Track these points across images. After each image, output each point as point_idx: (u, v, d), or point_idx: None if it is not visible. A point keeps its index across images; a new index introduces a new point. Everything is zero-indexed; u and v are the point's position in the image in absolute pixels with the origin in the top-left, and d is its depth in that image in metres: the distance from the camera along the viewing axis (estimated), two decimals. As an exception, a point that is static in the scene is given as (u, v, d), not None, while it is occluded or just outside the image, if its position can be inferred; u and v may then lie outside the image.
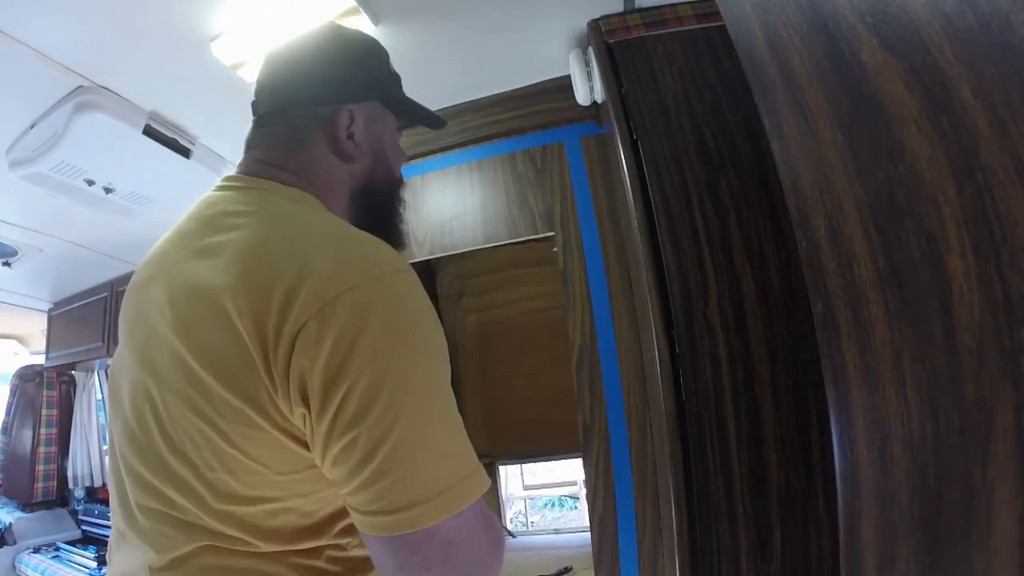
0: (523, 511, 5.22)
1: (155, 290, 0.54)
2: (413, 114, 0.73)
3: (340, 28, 0.71)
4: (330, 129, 0.62)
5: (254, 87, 0.67)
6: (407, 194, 0.74)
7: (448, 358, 0.50)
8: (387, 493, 0.43)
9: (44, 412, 2.58)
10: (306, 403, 0.44)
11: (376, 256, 0.49)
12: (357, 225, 0.59)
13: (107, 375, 2.52)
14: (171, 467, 0.48)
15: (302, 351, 0.43)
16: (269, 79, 0.65)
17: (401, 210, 0.71)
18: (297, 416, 0.45)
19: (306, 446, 0.46)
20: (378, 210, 0.67)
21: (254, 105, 0.66)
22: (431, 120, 0.76)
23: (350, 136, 0.63)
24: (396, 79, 0.72)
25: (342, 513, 0.51)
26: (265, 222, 0.52)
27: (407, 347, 0.46)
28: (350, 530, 0.52)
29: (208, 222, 0.55)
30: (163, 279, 0.54)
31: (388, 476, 0.43)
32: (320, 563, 0.51)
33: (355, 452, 0.43)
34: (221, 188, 0.60)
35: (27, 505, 2.48)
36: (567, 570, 1.40)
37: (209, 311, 0.46)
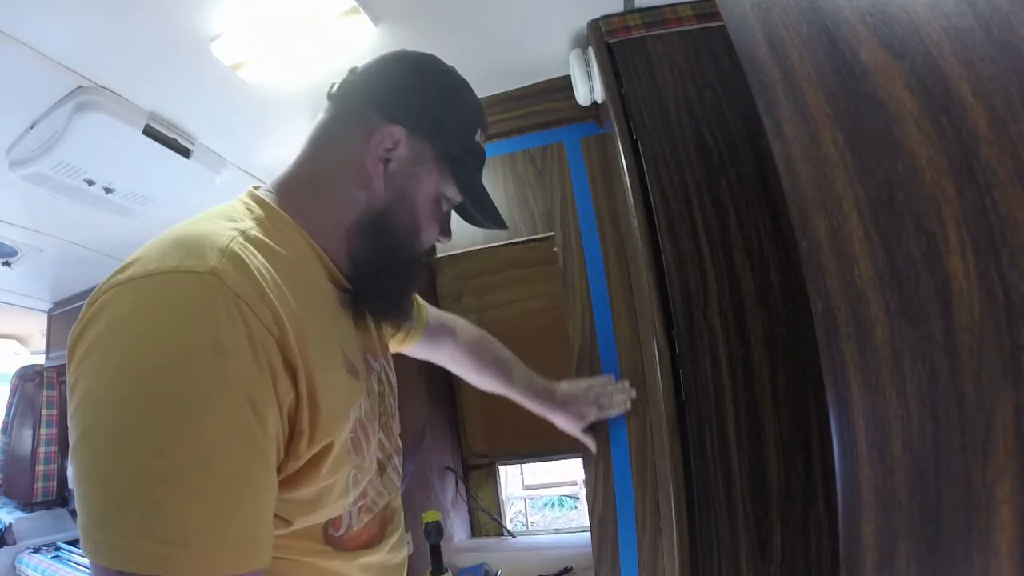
0: (523, 511, 5.22)
1: None
2: (473, 195, 0.65)
3: (453, 70, 0.68)
4: (368, 137, 0.57)
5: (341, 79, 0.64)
6: None
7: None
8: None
9: (44, 412, 2.58)
10: None
11: (144, 257, 0.44)
12: (353, 258, 0.57)
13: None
14: None
15: None
16: (363, 71, 0.62)
17: (411, 277, 0.64)
18: None
19: None
20: (385, 252, 0.59)
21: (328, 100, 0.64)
22: (489, 215, 0.67)
23: (386, 159, 0.58)
24: (476, 152, 0.66)
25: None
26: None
27: (119, 370, 0.41)
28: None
29: None
30: None
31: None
32: None
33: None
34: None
35: (27, 505, 2.48)
36: (567, 570, 1.40)
37: None
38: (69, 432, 0.40)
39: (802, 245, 0.49)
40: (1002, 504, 0.30)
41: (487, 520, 1.90)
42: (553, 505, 5.84)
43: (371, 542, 0.58)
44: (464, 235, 1.39)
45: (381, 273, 0.60)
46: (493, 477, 1.97)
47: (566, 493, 5.46)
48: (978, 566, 0.32)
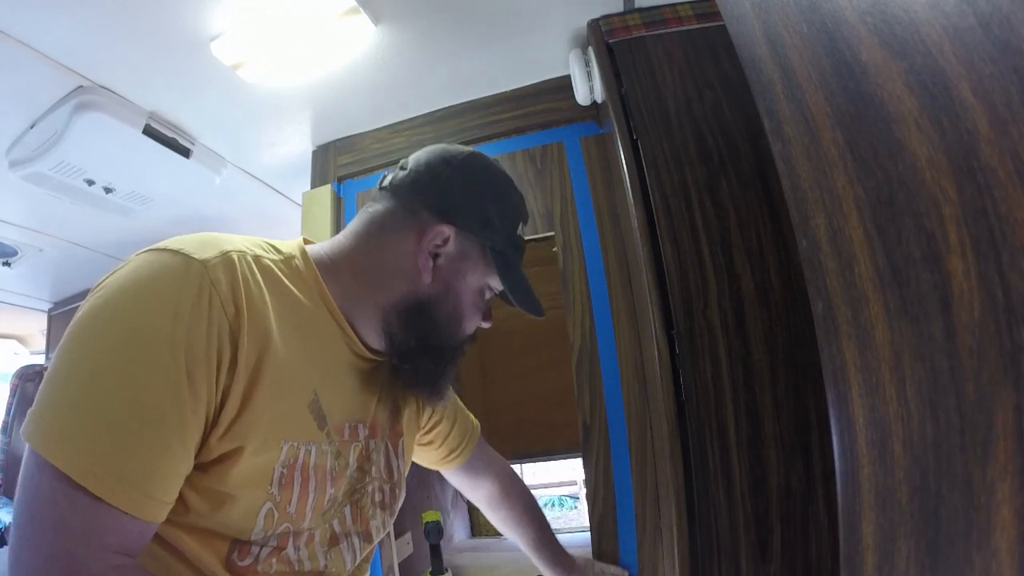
0: (523, 511, 5.21)
1: None
2: (515, 285, 0.69)
3: (497, 166, 0.71)
4: (420, 236, 0.62)
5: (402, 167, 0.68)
6: None
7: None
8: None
9: (44, 412, 2.58)
10: None
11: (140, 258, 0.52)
12: (389, 334, 0.62)
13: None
14: None
15: None
16: (413, 168, 0.66)
17: (450, 360, 0.67)
18: None
19: None
20: (423, 336, 0.63)
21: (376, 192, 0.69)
22: (528, 304, 0.71)
23: (435, 255, 0.63)
24: (518, 245, 0.70)
25: None
26: None
27: (95, 318, 0.49)
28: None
29: None
30: None
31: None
32: None
33: None
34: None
35: (27, 505, 2.47)
36: (567, 570, 1.40)
37: None
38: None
39: (802, 245, 0.49)
40: (1002, 504, 0.30)
41: (487, 520, 1.90)
42: (553, 505, 5.84)
43: None
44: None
45: (417, 352, 0.63)
46: (493, 477, 1.97)
47: (566, 493, 5.46)
48: (978, 566, 0.32)
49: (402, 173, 0.66)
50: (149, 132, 1.34)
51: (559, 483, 5.25)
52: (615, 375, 1.20)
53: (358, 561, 0.65)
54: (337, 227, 1.49)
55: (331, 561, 0.61)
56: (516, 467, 4.94)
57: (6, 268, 2.05)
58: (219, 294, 0.49)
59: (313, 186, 1.56)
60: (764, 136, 0.53)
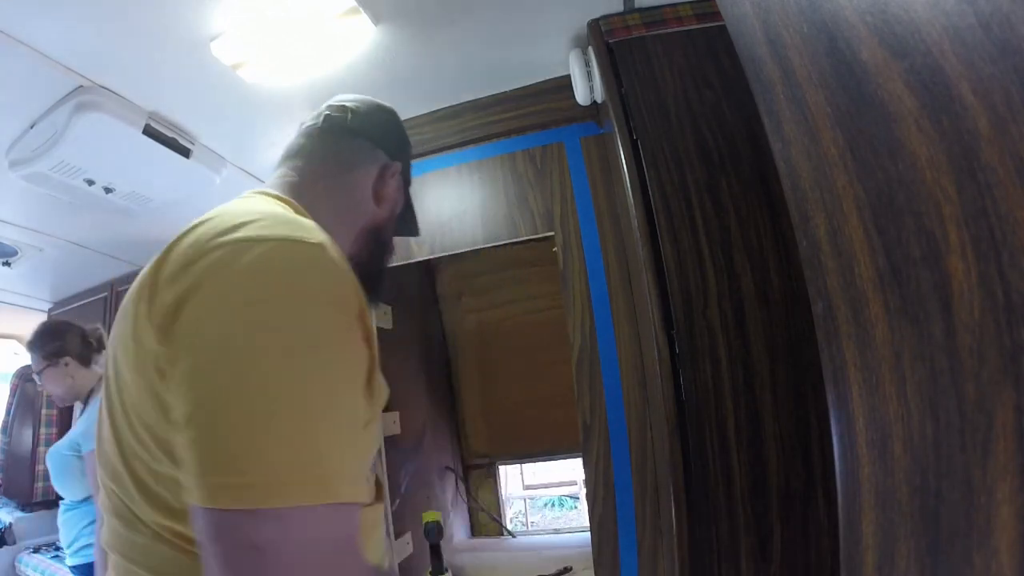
0: (523, 511, 5.22)
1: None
2: (409, 206, 0.84)
3: (390, 107, 0.83)
4: (382, 173, 0.74)
5: (331, 106, 0.77)
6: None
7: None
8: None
9: (44, 412, 2.58)
10: None
11: (260, 218, 0.47)
12: (357, 257, 0.69)
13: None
14: None
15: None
16: (359, 111, 0.76)
17: (386, 267, 0.79)
18: None
19: None
20: (376, 253, 0.74)
21: (316, 130, 0.75)
22: (414, 224, 0.87)
23: (382, 194, 0.74)
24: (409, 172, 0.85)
25: None
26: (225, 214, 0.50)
27: (257, 319, 0.41)
28: None
29: (198, 227, 0.52)
30: None
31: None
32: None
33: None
34: (240, 198, 0.61)
35: (27, 505, 2.48)
36: (567, 570, 1.40)
37: None
38: (194, 356, 0.39)
39: (802, 245, 0.49)
40: (1002, 504, 0.30)
41: (487, 520, 1.90)
42: (553, 505, 5.84)
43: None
44: (464, 235, 1.39)
45: (378, 272, 0.75)
46: (493, 477, 1.97)
47: (566, 493, 5.46)
48: (978, 566, 0.32)
49: (352, 115, 0.76)
50: (149, 132, 1.34)
51: (559, 483, 5.25)
52: (615, 375, 1.20)
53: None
54: (337, 227, 1.49)
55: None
56: (516, 467, 4.95)
57: (6, 268, 2.05)
58: (348, 273, 0.47)
59: (313, 186, 1.56)
60: (764, 136, 0.53)
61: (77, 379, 1.67)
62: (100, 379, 1.69)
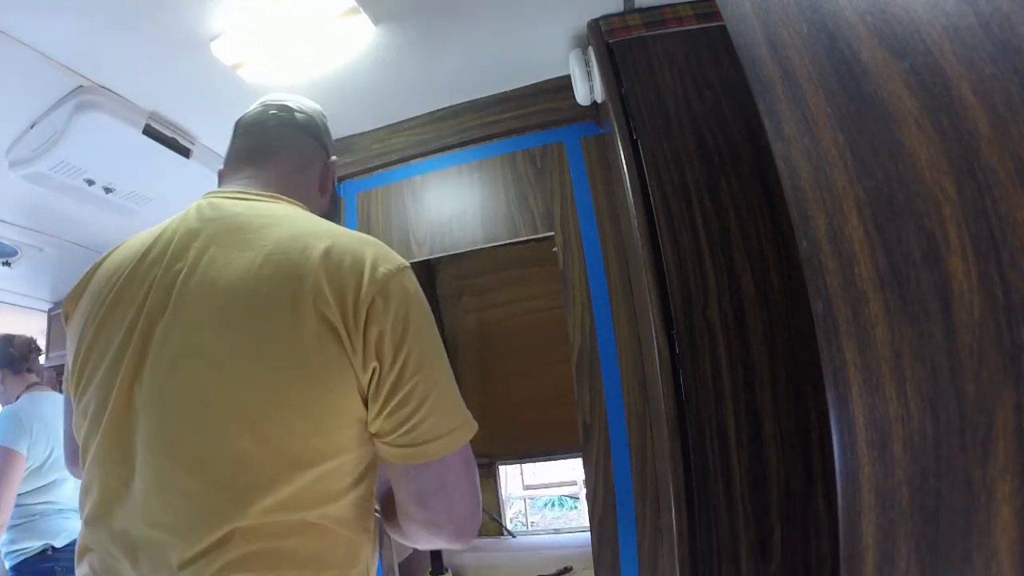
0: (523, 511, 5.22)
1: (194, 281, 0.59)
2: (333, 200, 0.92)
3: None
4: (324, 171, 0.82)
5: (272, 104, 0.83)
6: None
7: None
8: (434, 427, 0.58)
9: (44, 412, 2.58)
10: (380, 359, 0.56)
11: (391, 252, 0.63)
12: None
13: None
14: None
15: (374, 320, 0.56)
16: (303, 110, 0.84)
17: None
18: (369, 371, 0.56)
19: (365, 402, 0.57)
20: None
21: (271, 129, 0.81)
22: (334, 216, 0.93)
23: (326, 186, 0.83)
24: None
25: (370, 467, 0.62)
26: (304, 224, 0.64)
27: (432, 323, 0.62)
28: (372, 483, 0.64)
29: (245, 224, 0.63)
30: (202, 272, 0.60)
31: (435, 415, 0.58)
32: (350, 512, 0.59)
33: (413, 397, 0.57)
34: (239, 197, 0.70)
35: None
36: (567, 570, 1.40)
37: (281, 296, 0.55)
38: (404, 336, 0.58)
39: (802, 245, 0.49)
40: (1002, 504, 0.30)
41: (487, 520, 1.90)
42: (553, 505, 5.84)
43: None
44: (464, 235, 1.39)
45: None
46: (493, 477, 1.97)
47: (566, 493, 5.46)
48: (978, 566, 0.32)
49: (298, 114, 0.83)
50: (149, 132, 1.34)
51: (559, 483, 5.25)
52: (615, 375, 1.20)
53: None
54: (337, 227, 1.49)
55: None
56: (516, 467, 4.95)
57: (6, 268, 2.05)
58: None
59: (313, 186, 1.56)
60: (764, 136, 0.53)
61: (8, 386, 1.80)
62: (29, 385, 1.81)
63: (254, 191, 0.72)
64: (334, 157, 0.86)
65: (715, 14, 1.10)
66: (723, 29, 0.63)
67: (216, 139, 1.49)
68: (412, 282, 0.62)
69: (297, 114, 0.83)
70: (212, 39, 1.11)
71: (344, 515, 0.57)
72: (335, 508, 0.56)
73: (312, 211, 0.75)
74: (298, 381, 0.54)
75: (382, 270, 0.58)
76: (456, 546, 0.64)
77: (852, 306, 0.43)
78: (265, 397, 0.53)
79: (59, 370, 2.64)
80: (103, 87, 1.23)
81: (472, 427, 0.62)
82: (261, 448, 0.52)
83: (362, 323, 0.55)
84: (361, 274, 0.57)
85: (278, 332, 0.54)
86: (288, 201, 0.72)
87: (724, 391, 0.94)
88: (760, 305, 0.96)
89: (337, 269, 0.57)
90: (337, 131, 1.55)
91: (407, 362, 0.57)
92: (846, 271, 0.43)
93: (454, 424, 0.59)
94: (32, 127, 1.27)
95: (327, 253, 0.58)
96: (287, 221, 0.64)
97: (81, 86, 1.20)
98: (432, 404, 0.58)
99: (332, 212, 0.87)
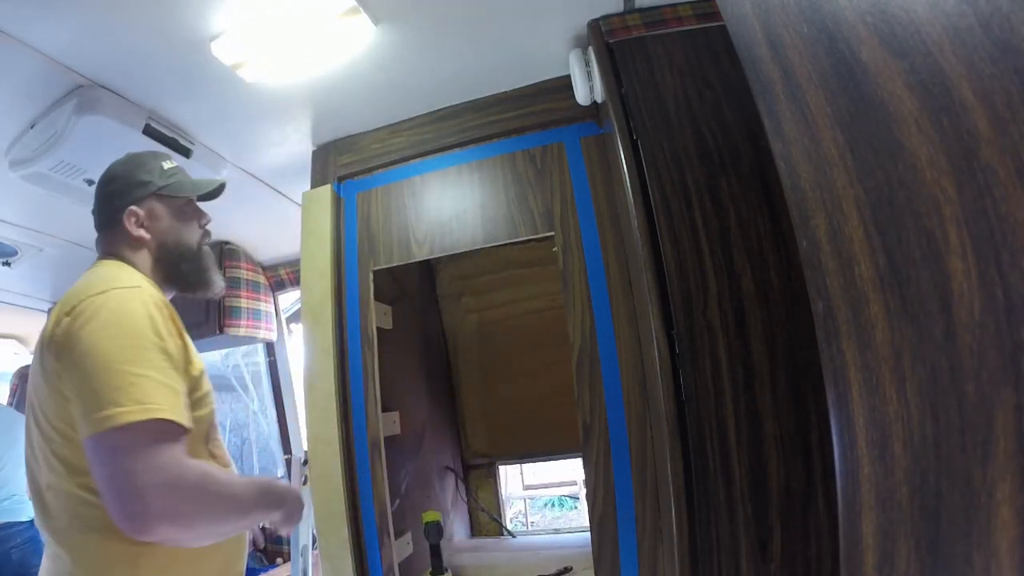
0: (523, 511, 5.22)
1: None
2: (192, 190, 1.05)
3: (123, 157, 1.05)
4: (126, 227, 0.98)
5: (93, 190, 1.02)
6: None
7: (149, 333, 0.80)
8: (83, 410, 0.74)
9: (44, 412, 2.58)
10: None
11: (87, 287, 0.82)
12: (165, 275, 1.01)
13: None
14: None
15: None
16: (96, 191, 1.02)
17: (203, 261, 1.06)
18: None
19: None
20: (177, 265, 1.03)
21: (94, 204, 1.02)
22: (205, 191, 1.07)
23: (143, 226, 0.99)
24: (171, 172, 1.04)
25: None
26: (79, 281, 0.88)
27: (104, 330, 0.77)
28: None
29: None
30: None
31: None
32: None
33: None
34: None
35: (26, 504, 2.49)
36: (567, 570, 1.40)
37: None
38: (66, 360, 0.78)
39: (802, 245, 0.49)
40: (1002, 504, 0.30)
41: (487, 520, 1.90)
42: (553, 505, 5.84)
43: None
44: (464, 235, 1.39)
45: (192, 270, 1.06)
46: (493, 477, 1.97)
47: (566, 493, 5.46)
48: (978, 566, 0.32)
49: (99, 183, 1.03)
50: (149, 132, 1.33)
51: (559, 483, 5.25)
52: (615, 375, 1.20)
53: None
54: (337, 227, 1.49)
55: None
56: (516, 467, 4.93)
57: (6, 268, 2.05)
58: (154, 302, 0.87)
59: (313, 186, 1.56)
60: (764, 136, 0.53)
61: None
62: None
63: (97, 259, 0.99)
64: (132, 207, 0.99)
65: (715, 14, 1.10)
66: (723, 29, 0.63)
67: (216, 139, 1.49)
68: (102, 304, 0.80)
69: (99, 183, 1.02)
70: (212, 39, 1.11)
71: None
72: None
73: (142, 258, 0.99)
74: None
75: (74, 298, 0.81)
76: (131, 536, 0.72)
77: (852, 306, 0.43)
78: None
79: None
80: (103, 87, 1.23)
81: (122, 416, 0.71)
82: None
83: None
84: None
85: None
86: (107, 260, 0.97)
87: (724, 391, 0.94)
88: (760, 305, 0.96)
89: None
90: (337, 131, 1.56)
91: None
92: (846, 271, 0.43)
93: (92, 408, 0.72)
94: (32, 127, 1.27)
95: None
96: (81, 279, 0.88)
97: (81, 86, 1.20)
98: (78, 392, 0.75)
99: (175, 249, 1.02)
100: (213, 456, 0.93)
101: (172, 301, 1.05)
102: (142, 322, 0.79)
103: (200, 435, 0.89)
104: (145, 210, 1.00)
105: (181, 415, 0.76)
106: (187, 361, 0.86)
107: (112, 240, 1.00)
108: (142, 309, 0.81)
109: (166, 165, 1.05)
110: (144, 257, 1.00)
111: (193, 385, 0.86)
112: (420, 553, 1.46)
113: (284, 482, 0.95)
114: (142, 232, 0.99)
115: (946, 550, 0.35)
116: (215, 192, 1.10)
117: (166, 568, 0.81)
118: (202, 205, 1.12)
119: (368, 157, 1.53)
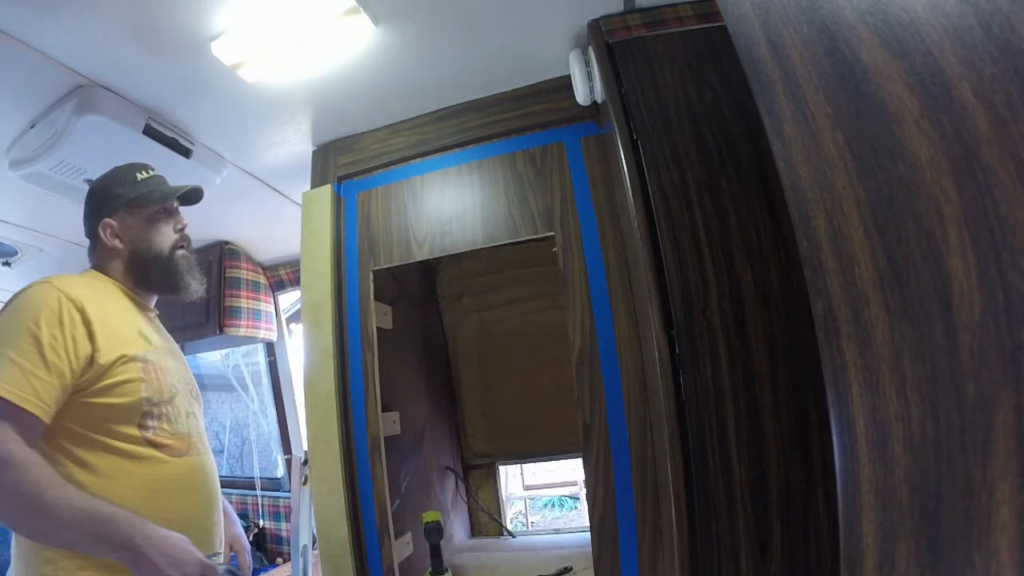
0: (523, 511, 5.22)
1: None
2: (161, 198, 1.12)
3: (106, 172, 1.13)
4: (102, 238, 1.08)
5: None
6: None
7: (36, 324, 0.88)
8: None
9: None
10: None
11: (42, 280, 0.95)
12: (137, 281, 1.10)
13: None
14: None
15: None
16: (85, 203, 1.13)
17: (175, 267, 1.12)
18: None
19: None
20: (148, 271, 1.10)
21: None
22: (173, 197, 1.14)
23: (116, 236, 1.08)
24: (143, 182, 1.11)
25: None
26: None
27: (3, 314, 0.91)
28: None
29: None
30: None
31: None
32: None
33: None
34: None
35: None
36: (567, 570, 1.40)
37: None
38: None
39: (802, 245, 0.49)
40: (1002, 504, 0.30)
41: (487, 520, 1.90)
42: (553, 505, 5.84)
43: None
44: (464, 235, 1.39)
45: (163, 273, 1.13)
46: (493, 477, 1.97)
47: (566, 493, 5.46)
48: (978, 566, 0.32)
49: (84, 205, 1.14)
50: (149, 132, 1.34)
51: (559, 483, 5.25)
52: (615, 375, 1.20)
53: (199, 429, 1.10)
54: (337, 227, 1.49)
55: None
56: (516, 467, 4.93)
57: (6, 268, 2.05)
58: (65, 294, 0.95)
59: (313, 186, 1.56)
60: (764, 136, 0.53)
61: None
62: None
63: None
64: (106, 219, 1.07)
65: (715, 14, 1.10)
66: (723, 29, 0.63)
67: (216, 139, 1.49)
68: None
69: (84, 199, 1.12)
70: (212, 39, 1.11)
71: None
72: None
73: (115, 267, 1.08)
74: None
75: None
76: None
77: (852, 306, 0.43)
78: None
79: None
80: (103, 87, 1.23)
81: None
82: None
83: None
84: None
85: None
86: (91, 272, 1.09)
87: (724, 391, 0.94)
88: (760, 305, 0.96)
89: None
90: (337, 131, 1.56)
91: None
92: (846, 271, 0.43)
93: None
94: (32, 127, 1.27)
95: None
96: None
97: (81, 86, 1.20)
98: None
99: (147, 255, 1.09)
100: (152, 443, 0.96)
101: (163, 302, 1.18)
102: (32, 311, 0.88)
103: (123, 420, 0.94)
104: (118, 221, 1.08)
105: (18, 396, 0.81)
106: (76, 354, 0.90)
107: (93, 251, 1.11)
108: (42, 301, 0.90)
109: (140, 176, 1.11)
110: (117, 265, 1.09)
111: (99, 373, 0.92)
112: (420, 553, 1.46)
113: (153, 532, 0.85)
114: (116, 242, 1.08)
115: (946, 550, 0.35)
116: (189, 196, 1.16)
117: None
118: (190, 210, 1.19)
119: (368, 157, 1.53)
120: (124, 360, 0.96)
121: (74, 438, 0.91)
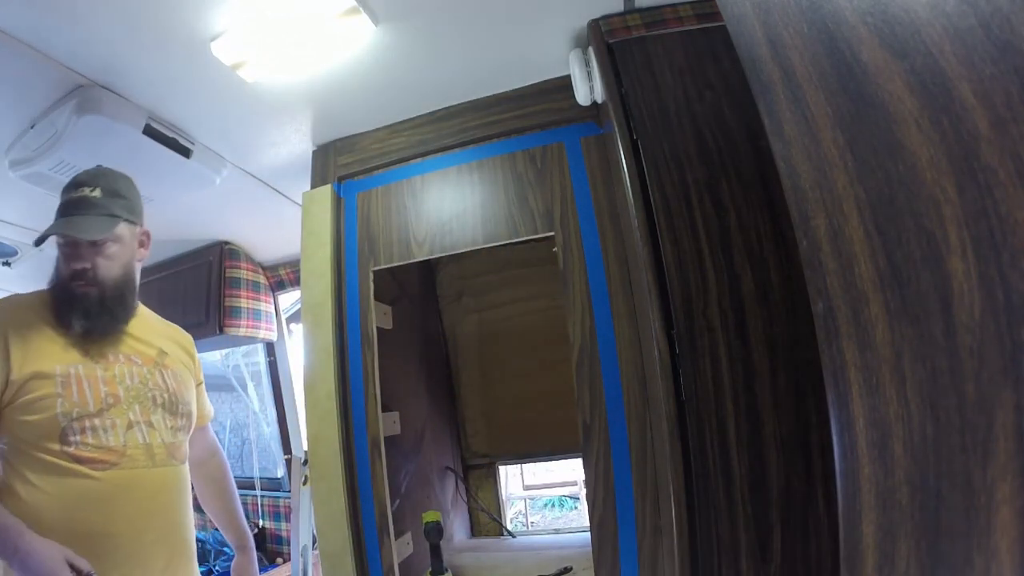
0: (523, 511, 5.22)
1: None
2: (42, 234, 1.09)
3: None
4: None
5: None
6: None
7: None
8: None
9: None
10: None
11: None
12: (48, 305, 1.11)
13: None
14: None
15: None
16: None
17: (63, 299, 1.10)
18: None
19: None
20: (52, 299, 1.13)
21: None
22: (44, 236, 1.11)
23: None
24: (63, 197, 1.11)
25: None
26: None
27: None
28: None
29: None
30: None
31: None
32: None
33: None
34: None
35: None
36: (567, 570, 1.40)
37: None
38: None
39: (802, 245, 0.49)
40: (1002, 504, 0.30)
41: (487, 520, 1.90)
42: (553, 505, 5.84)
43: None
44: (464, 235, 1.39)
45: (70, 301, 1.13)
46: (493, 477, 1.97)
47: (566, 493, 5.46)
48: (978, 566, 0.32)
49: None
50: (149, 132, 1.33)
51: (559, 483, 5.25)
52: (615, 375, 1.20)
53: (150, 441, 1.08)
54: (337, 227, 1.49)
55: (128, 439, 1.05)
56: (516, 467, 4.93)
57: (6, 268, 2.05)
58: None
59: (313, 186, 1.56)
60: (764, 136, 0.53)
61: None
62: None
63: None
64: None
65: (715, 14, 1.09)
66: (723, 29, 0.63)
67: (216, 139, 1.49)
68: None
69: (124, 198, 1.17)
70: (212, 39, 1.11)
71: None
72: None
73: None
74: None
75: None
76: None
77: (852, 306, 0.43)
78: None
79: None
80: (103, 87, 1.23)
81: None
82: None
83: None
84: None
85: None
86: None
87: (724, 391, 0.94)
88: (760, 305, 0.96)
89: None
90: (337, 131, 1.56)
91: None
92: (846, 271, 0.43)
93: None
94: (32, 127, 1.27)
95: None
96: None
97: (81, 86, 1.20)
98: None
99: (52, 285, 1.12)
100: (75, 458, 0.97)
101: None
102: None
103: (43, 436, 0.96)
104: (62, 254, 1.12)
105: None
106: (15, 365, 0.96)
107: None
108: None
109: (63, 196, 1.12)
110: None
111: (15, 390, 0.95)
112: (420, 553, 1.46)
113: (29, 546, 0.88)
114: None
115: (946, 550, 0.35)
116: (49, 235, 1.11)
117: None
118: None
119: (368, 157, 1.53)
120: (37, 376, 0.97)
121: (14, 453, 0.96)
